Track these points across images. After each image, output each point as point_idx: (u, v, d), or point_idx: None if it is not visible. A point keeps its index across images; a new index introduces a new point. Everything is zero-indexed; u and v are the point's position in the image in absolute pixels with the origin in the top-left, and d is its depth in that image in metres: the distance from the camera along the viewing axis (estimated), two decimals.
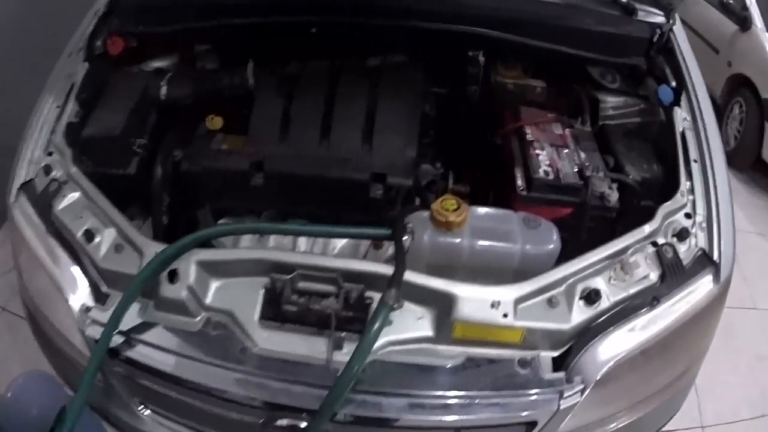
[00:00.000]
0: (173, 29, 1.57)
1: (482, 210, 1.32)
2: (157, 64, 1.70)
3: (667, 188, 1.46)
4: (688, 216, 1.40)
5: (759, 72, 4.04)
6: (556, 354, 1.24)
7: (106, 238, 1.30)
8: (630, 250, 1.32)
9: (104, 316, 1.24)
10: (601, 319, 1.25)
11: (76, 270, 1.30)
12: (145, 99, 1.52)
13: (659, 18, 1.71)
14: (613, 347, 1.24)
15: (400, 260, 1.17)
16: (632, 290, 1.28)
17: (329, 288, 1.22)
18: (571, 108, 1.60)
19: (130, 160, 1.47)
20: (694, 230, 1.38)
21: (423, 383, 1.19)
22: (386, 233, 1.25)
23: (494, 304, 1.20)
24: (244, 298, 1.24)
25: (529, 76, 1.67)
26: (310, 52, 1.58)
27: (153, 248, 1.24)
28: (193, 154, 1.45)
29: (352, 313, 1.22)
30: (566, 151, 1.44)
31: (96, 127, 1.46)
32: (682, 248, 1.35)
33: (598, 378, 1.22)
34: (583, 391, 1.21)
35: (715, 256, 1.36)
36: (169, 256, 1.21)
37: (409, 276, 1.18)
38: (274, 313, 1.22)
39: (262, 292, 1.24)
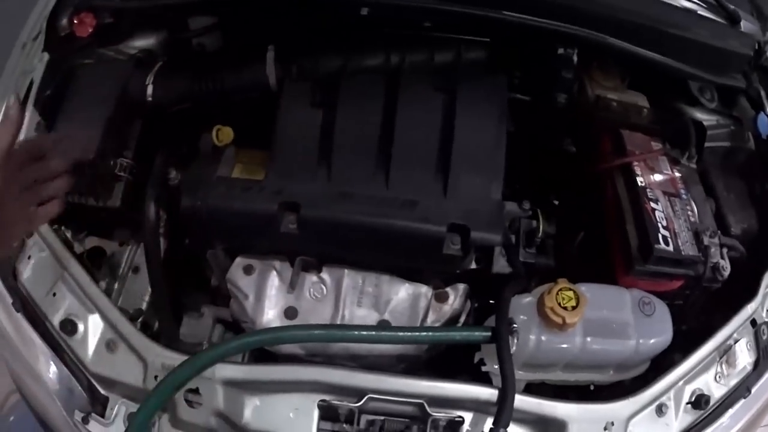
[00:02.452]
0: (161, 3, 1.09)
1: (593, 293, 1.06)
2: (141, 43, 1.23)
3: (761, 238, 1.29)
4: None
5: None
6: None
7: (91, 330, 1.00)
8: (734, 336, 1.16)
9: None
10: (701, 419, 1.11)
11: (60, 367, 0.98)
12: (125, 102, 1.11)
13: (753, 28, 1.43)
14: None
15: (508, 387, 0.94)
16: (732, 383, 1.15)
17: (409, 410, 0.98)
18: (674, 133, 1.29)
19: (112, 189, 1.09)
20: None
21: None
22: (486, 337, 0.99)
23: (607, 426, 1.02)
24: (295, 421, 0.97)
25: (626, 87, 1.34)
26: (355, 42, 1.14)
27: (158, 357, 0.96)
28: (195, 185, 1.04)
29: None
30: (678, 202, 1.17)
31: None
32: None
33: None
34: None
35: None
36: (184, 381, 0.92)
37: (517, 402, 0.96)
38: None
39: (316, 413, 0.97)
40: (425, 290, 1.11)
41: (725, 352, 1.15)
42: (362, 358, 1.08)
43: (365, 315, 1.09)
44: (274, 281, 1.09)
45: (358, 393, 0.95)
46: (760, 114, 1.35)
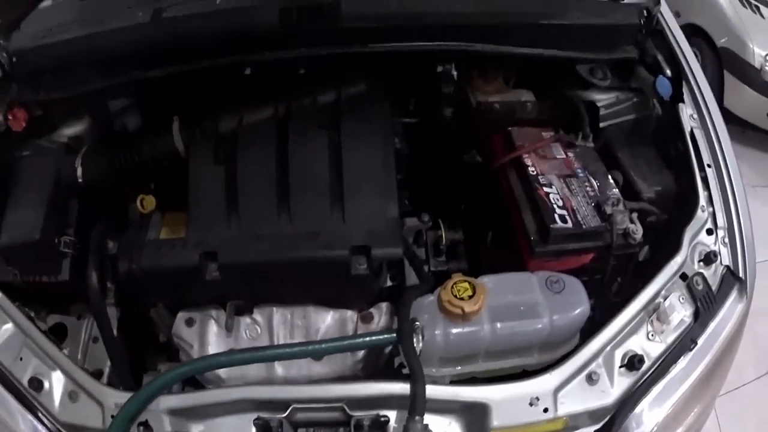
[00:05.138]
0: (80, 91, 1.27)
1: (497, 282, 1.13)
2: (70, 131, 1.38)
3: (680, 197, 1.32)
4: (710, 232, 1.26)
5: (711, 19, 3.90)
6: (598, 426, 1.11)
7: (55, 385, 1.11)
8: (662, 293, 1.18)
9: None
10: (643, 380, 1.13)
11: (34, 422, 1.10)
12: (60, 186, 1.26)
13: None
14: (656, 406, 1.13)
15: (417, 378, 1.00)
16: (670, 339, 1.16)
17: (334, 416, 1.06)
18: (565, 119, 1.37)
19: (60, 264, 1.23)
20: (717, 247, 1.26)
21: None
22: (391, 339, 1.07)
23: (533, 402, 1.06)
24: None
25: (512, 87, 1.43)
26: (246, 98, 1.29)
27: (112, 398, 1.06)
28: (129, 250, 1.17)
29: None
30: (575, 181, 1.24)
31: (11, 232, 1.20)
32: (709, 273, 1.23)
33: None
34: None
35: (741, 273, 1.25)
36: (133, 414, 1.03)
37: (432, 391, 1.01)
38: None
39: (254, 431, 1.06)
40: (350, 314, 1.20)
41: (654, 311, 1.17)
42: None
43: None
44: (213, 328, 1.20)
45: (284, 405, 1.03)
46: (659, 77, 1.38)
